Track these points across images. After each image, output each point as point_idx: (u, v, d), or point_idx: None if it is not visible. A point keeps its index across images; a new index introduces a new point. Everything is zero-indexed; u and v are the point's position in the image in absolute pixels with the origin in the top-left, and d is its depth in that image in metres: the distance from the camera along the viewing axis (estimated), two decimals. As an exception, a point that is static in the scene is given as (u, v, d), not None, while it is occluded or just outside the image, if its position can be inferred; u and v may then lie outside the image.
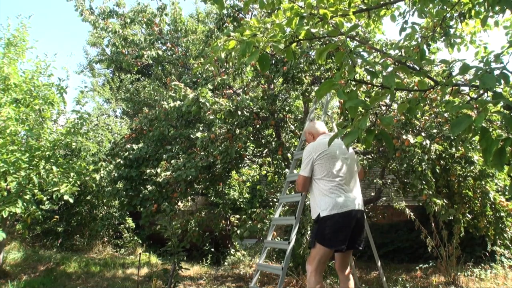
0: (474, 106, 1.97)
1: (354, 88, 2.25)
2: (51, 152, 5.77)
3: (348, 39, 4.16)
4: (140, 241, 9.58)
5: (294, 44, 2.46)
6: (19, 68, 6.33)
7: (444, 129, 4.83)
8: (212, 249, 8.63)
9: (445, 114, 4.82)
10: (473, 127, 1.64)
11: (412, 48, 2.92)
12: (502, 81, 1.76)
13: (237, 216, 8.14)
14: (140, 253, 6.68)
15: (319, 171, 2.90)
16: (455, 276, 5.15)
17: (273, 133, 6.61)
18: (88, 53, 18.63)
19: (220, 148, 5.35)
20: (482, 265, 6.11)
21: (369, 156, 6.99)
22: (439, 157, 4.82)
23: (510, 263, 6.15)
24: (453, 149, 4.77)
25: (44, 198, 5.56)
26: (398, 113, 4.84)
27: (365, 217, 2.99)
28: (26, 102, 6.04)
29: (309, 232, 5.41)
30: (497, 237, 4.89)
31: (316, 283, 2.77)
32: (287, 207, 5.80)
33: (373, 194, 7.73)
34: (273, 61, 5.86)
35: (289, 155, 5.96)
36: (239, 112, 5.31)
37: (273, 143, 6.29)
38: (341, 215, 2.76)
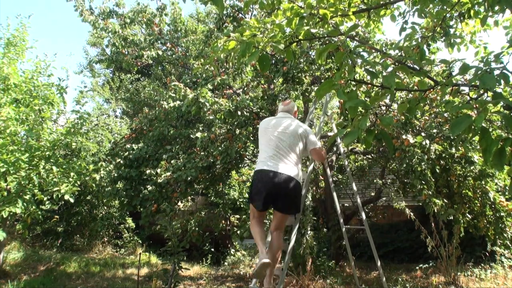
0: (474, 106, 1.97)
1: (354, 88, 2.25)
2: (51, 152, 5.76)
3: (348, 39, 4.16)
4: (140, 241, 9.57)
5: (294, 44, 2.46)
6: (19, 68, 6.33)
7: (444, 129, 4.83)
8: (212, 249, 8.64)
9: (445, 114, 4.82)
10: (473, 127, 1.64)
11: (412, 48, 2.91)
12: (502, 81, 1.76)
13: (237, 216, 8.14)
14: (140, 253, 6.68)
15: (259, 142, 3.27)
16: (455, 276, 5.15)
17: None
18: (88, 53, 18.63)
19: (220, 148, 5.35)
20: (482, 265, 6.11)
21: (369, 156, 7.00)
22: (439, 157, 4.82)
23: (510, 263, 6.14)
24: (453, 149, 4.77)
25: (45, 198, 5.56)
26: (398, 113, 4.84)
27: (291, 185, 2.99)
28: (26, 102, 6.04)
29: (309, 232, 5.41)
30: (497, 237, 4.89)
31: (253, 232, 3.15)
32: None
33: (373, 194, 7.73)
34: (273, 61, 5.86)
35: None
36: (239, 112, 5.31)
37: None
38: (257, 172, 3.06)
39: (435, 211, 4.28)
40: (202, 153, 5.64)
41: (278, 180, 2.97)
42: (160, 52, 7.39)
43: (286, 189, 2.99)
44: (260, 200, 3.03)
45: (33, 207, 5.27)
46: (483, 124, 1.58)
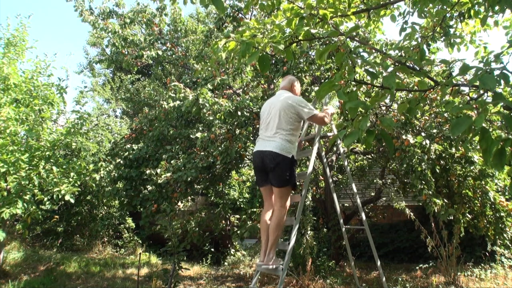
0: (474, 106, 1.97)
1: (354, 89, 2.25)
2: (51, 152, 5.76)
3: (348, 39, 4.16)
4: (140, 241, 9.57)
5: (294, 44, 2.46)
6: (19, 68, 6.33)
7: (444, 129, 4.83)
8: (212, 249, 8.64)
9: (445, 114, 4.82)
10: (473, 127, 1.64)
11: (412, 48, 2.92)
12: (502, 81, 1.76)
13: (237, 216, 8.14)
14: (140, 253, 6.68)
15: None
16: (455, 276, 5.15)
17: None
18: (88, 53, 18.66)
19: (220, 148, 5.34)
20: (482, 265, 6.11)
21: (369, 156, 7.00)
22: (439, 157, 4.82)
23: (510, 263, 6.15)
24: (453, 149, 4.77)
25: (45, 198, 5.56)
26: (398, 113, 4.84)
27: (275, 160, 3.19)
28: (26, 102, 6.04)
29: (309, 232, 5.41)
30: (497, 237, 4.89)
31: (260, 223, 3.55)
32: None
33: (373, 194, 7.73)
34: (273, 61, 5.86)
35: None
36: (239, 113, 5.31)
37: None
38: (253, 154, 3.40)
39: (435, 211, 4.28)
40: (202, 153, 5.64)
41: (264, 158, 3.24)
42: (160, 52, 7.38)
43: (271, 164, 3.21)
44: (257, 177, 3.45)
45: (33, 207, 5.26)
46: (483, 125, 1.58)
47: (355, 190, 4.35)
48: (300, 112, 3.31)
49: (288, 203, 3.37)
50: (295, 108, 3.29)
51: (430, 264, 6.25)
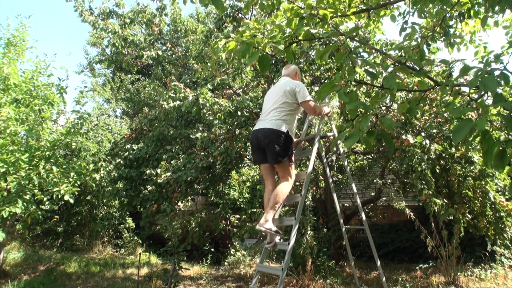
0: (474, 106, 1.97)
1: (354, 89, 2.25)
2: (51, 152, 5.76)
3: (348, 39, 4.16)
4: (140, 241, 9.57)
5: (294, 44, 2.46)
6: (19, 68, 6.33)
7: (444, 129, 4.83)
8: (212, 249, 8.64)
9: (445, 114, 4.82)
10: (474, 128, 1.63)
11: (412, 48, 2.91)
12: (502, 82, 1.76)
13: (237, 216, 8.14)
14: (140, 253, 6.68)
15: None
16: (455, 276, 5.15)
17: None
18: (88, 53, 18.66)
19: (220, 148, 5.34)
20: (482, 265, 6.11)
21: (369, 156, 6.99)
22: (439, 157, 4.82)
23: (510, 263, 6.14)
24: (453, 149, 4.77)
25: (45, 198, 5.55)
26: (398, 113, 4.84)
27: (271, 136, 3.31)
28: (26, 102, 6.03)
29: (309, 232, 5.41)
30: (497, 237, 4.89)
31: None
32: (287, 207, 5.80)
33: (373, 194, 7.73)
34: (273, 61, 5.85)
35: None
36: (239, 113, 5.31)
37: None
38: (251, 133, 3.57)
39: (435, 211, 4.28)
40: (202, 154, 5.64)
41: (260, 135, 3.38)
42: (160, 52, 7.38)
43: (265, 140, 3.35)
44: (254, 156, 3.59)
45: (33, 207, 5.26)
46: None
47: (355, 190, 4.35)
48: (296, 94, 3.47)
49: (293, 176, 3.47)
50: (294, 90, 3.47)
51: (430, 264, 6.25)
